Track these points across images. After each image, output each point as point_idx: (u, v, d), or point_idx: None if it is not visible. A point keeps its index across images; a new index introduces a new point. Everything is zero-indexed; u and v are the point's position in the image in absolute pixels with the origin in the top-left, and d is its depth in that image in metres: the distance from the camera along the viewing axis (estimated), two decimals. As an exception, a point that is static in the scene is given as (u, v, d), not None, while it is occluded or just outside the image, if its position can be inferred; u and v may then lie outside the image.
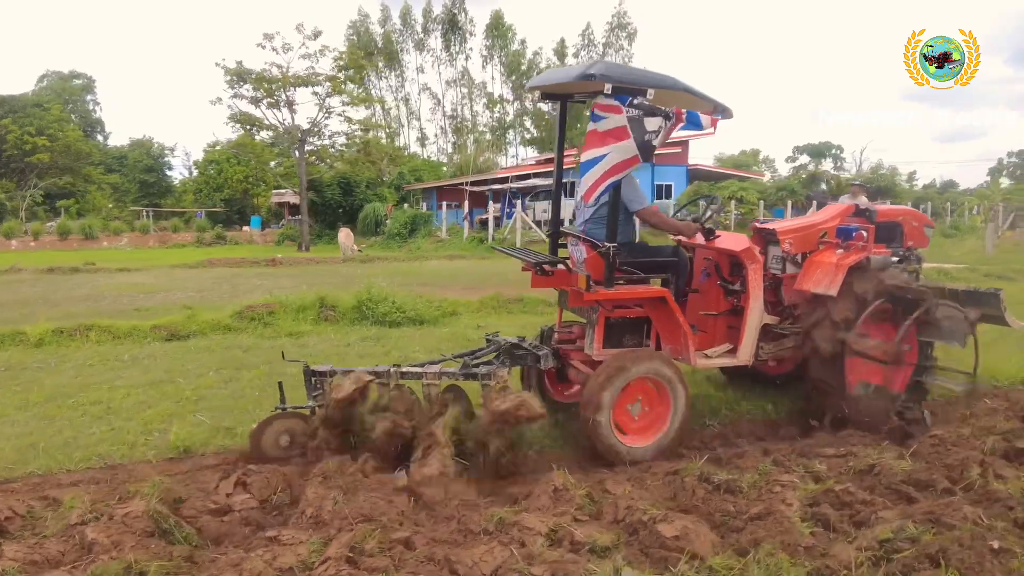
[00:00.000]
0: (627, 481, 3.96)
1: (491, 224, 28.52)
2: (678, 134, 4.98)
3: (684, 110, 4.63)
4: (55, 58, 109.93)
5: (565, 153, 5.54)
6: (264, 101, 34.08)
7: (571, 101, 5.25)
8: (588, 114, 4.60)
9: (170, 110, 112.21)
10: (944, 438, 4.44)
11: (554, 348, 5.08)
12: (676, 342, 4.87)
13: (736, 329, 5.11)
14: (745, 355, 5.00)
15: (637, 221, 4.95)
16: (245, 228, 45.10)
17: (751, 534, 3.22)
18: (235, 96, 34.11)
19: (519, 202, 29.16)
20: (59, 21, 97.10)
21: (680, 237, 5.29)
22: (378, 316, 9.21)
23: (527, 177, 34.12)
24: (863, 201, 13.54)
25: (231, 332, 8.66)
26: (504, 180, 35.53)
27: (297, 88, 34.06)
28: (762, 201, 30.43)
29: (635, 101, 4.42)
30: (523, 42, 56.56)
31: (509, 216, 28.88)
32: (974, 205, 39.39)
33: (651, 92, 4.40)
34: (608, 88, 4.32)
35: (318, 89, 34.49)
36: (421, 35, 56.44)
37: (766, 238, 5.30)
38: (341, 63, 35.41)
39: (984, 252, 21.58)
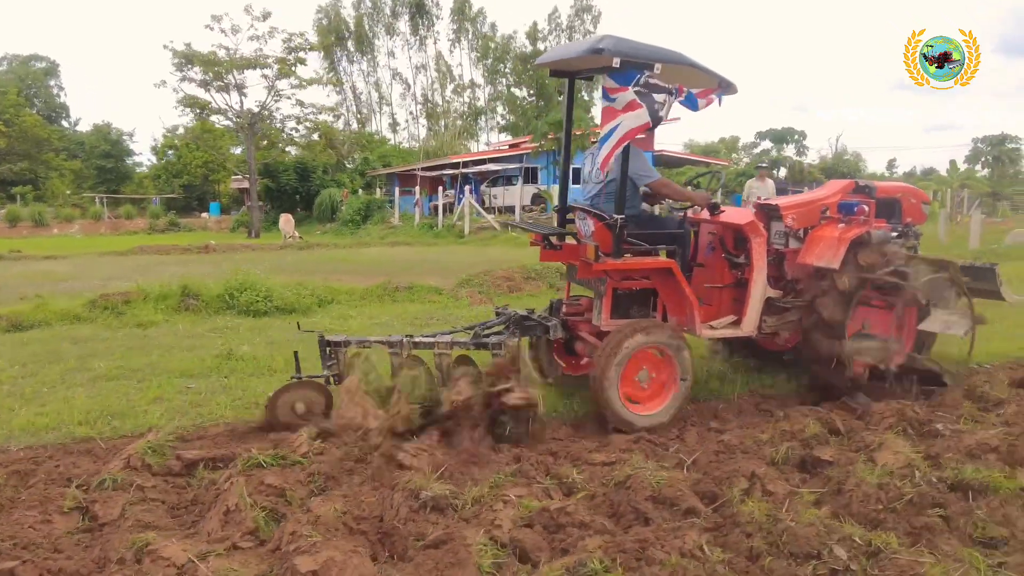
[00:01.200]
0: (342, 497, 3.25)
1: (440, 210, 27.98)
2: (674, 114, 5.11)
3: (684, 87, 4.77)
4: (16, 42, 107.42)
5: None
6: (214, 84, 33.38)
7: (579, 77, 5.34)
8: (601, 95, 4.70)
9: (136, 95, 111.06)
10: (733, 444, 4.13)
11: (562, 319, 5.19)
12: (682, 313, 4.98)
13: (740, 301, 5.23)
14: (749, 326, 5.12)
15: (642, 195, 5.07)
16: (204, 215, 44.28)
17: (416, 568, 2.73)
18: (183, 79, 33.50)
19: (468, 187, 28.75)
20: (21, 4, 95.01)
21: (687, 211, 5.41)
22: (243, 305, 8.84)
23: (483, 162, 33.67)
24: (768, 184, 13.31)
25: (80, 322, 8.18)
26: (459, 165, 34.70)
27: (245, 71, 33.51)
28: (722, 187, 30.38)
29: (642, 79, 4.51)
30: (493, 26, 55.69)
31: (460, 202, 28.68)
32: (934, 191, 39.49)
33: (658, 66, 4.49)
34: (617, 62, 4.39)
35: (267, 72, 33.97)
36: (390, 18, 55.37)
37: (769, 214, 5.41)
38: (291, 45, 34.66)
39: (938, 239, 21.78)
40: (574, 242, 5.19)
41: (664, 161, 35.93)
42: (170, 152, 48.90)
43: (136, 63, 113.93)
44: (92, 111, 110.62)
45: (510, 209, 28.07)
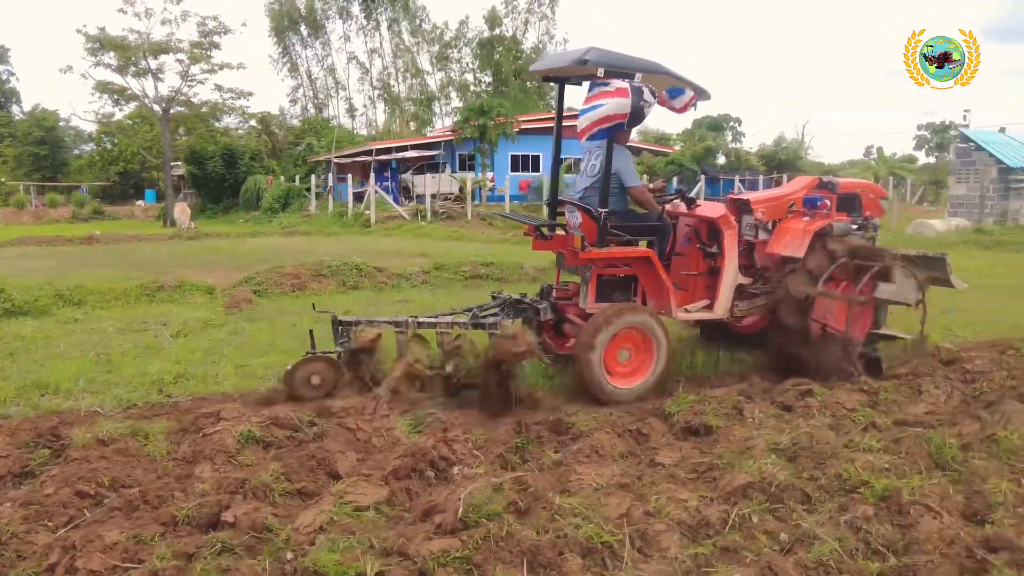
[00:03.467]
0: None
1: (350, 198, 27.45)
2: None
3: (665, 92, 5.33)
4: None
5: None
6: (130, 70, 32.43)
7: (568, 83, 5.88)
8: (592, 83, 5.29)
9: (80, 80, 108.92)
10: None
11: (552, 302, 5.73)
12: (660, 298, 5.52)
13: (713, 288, 5.76)
14: (720, 310, 5.66)
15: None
16: (139, 202, 42.95)
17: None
18: (97, 64, 32.43)
19: (373, 176, 27.39)
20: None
21: (666, 205, 5.95)
22: None
23: (404, 149, 32.38)
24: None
25: None
26: (386, 151, 32.96)
27: (160, 56, 32.53)
28: (650, 174, 30.19)
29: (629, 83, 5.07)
30: (423, 8, 54.16)
31: (386, 190, 28.25)
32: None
33: (638, 76, 5.05)
34: (601, 72, 4.97)
35: (182, 56, 32.95)
36: (344, 1, 53.75)
37: (740, 207, 5.95)
38: (205, 29, 33.45)
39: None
40: (563, 233, 5.72)
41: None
42: (107, 139, 47.28)
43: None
44: (47, 97, 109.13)
45: (441, 197, 27.86)
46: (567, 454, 4.02)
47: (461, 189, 28.19)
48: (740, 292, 5.76)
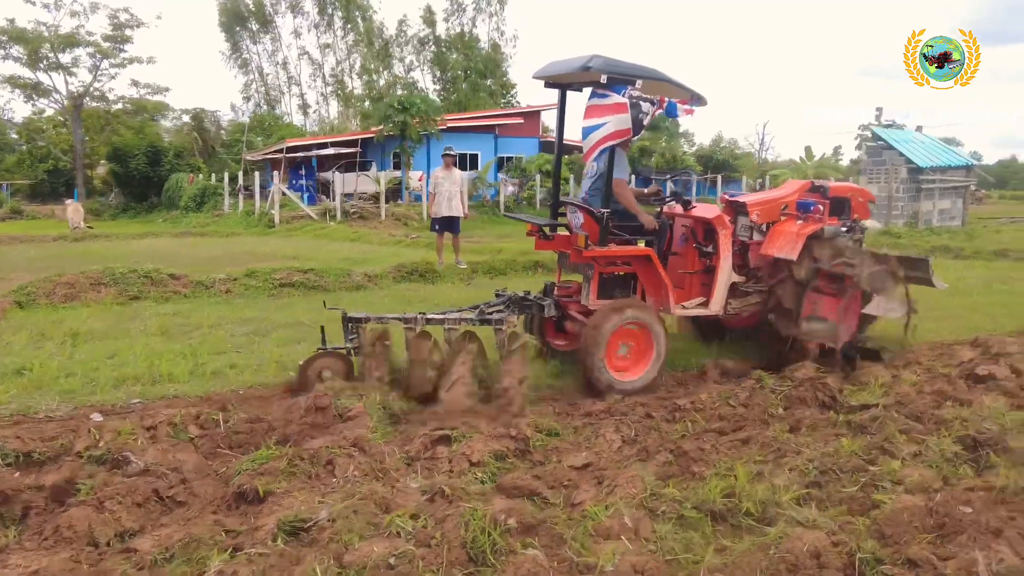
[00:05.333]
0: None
1: (257, 197, 25.64)
2: None
3: (666, 98, 5.56)
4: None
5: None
6: (42, 63, 31.97)
7: (571, 89, 6.10)
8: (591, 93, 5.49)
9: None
10: None
11: (555, 300, 5.94)
12: (658, 295, 5.75)
13: (709, 286, 5.99)
14: (716, 307, 5.90)
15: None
16: (68, 201, 40.98)
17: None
18: (6, 58, 32.11)
19: (277, 175, 26.17)
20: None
21: (664, 206, 6.19)
22: None
23: (324, 147, 31.09)
24: (455, 174, 11.78)
25: None
26: (306, 148, 31.66)
27: (73, 50, 32.03)
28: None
29: (626, 91, 5.30)
30: (368, 2, 52.86)
31: (297, 188, 27.04)
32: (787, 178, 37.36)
33: (639, 82, 5.28)
34: (604, 78, 5.19)
35: (90, 50, 32.64)
36: None
37: (736, 209, 6.19)
38: (117, 21, 33.24)
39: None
40: (566, 233, 5.93)
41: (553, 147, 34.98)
42: (37, 137, 45.18)
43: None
44: None
45: (367, 197, 26.27)
46: None
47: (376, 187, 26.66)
48: (734, 290, 6.00)
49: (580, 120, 5.57)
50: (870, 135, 22.32)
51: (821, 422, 4.48)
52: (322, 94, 56.66)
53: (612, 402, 5.04)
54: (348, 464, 3.65)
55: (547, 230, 5.91)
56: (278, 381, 5.60)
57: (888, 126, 22.09)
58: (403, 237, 18.59)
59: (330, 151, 30.43)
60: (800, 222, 5.97)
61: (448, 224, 12.01)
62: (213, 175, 31.21)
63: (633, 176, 27.23)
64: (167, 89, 36.82)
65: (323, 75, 55.40)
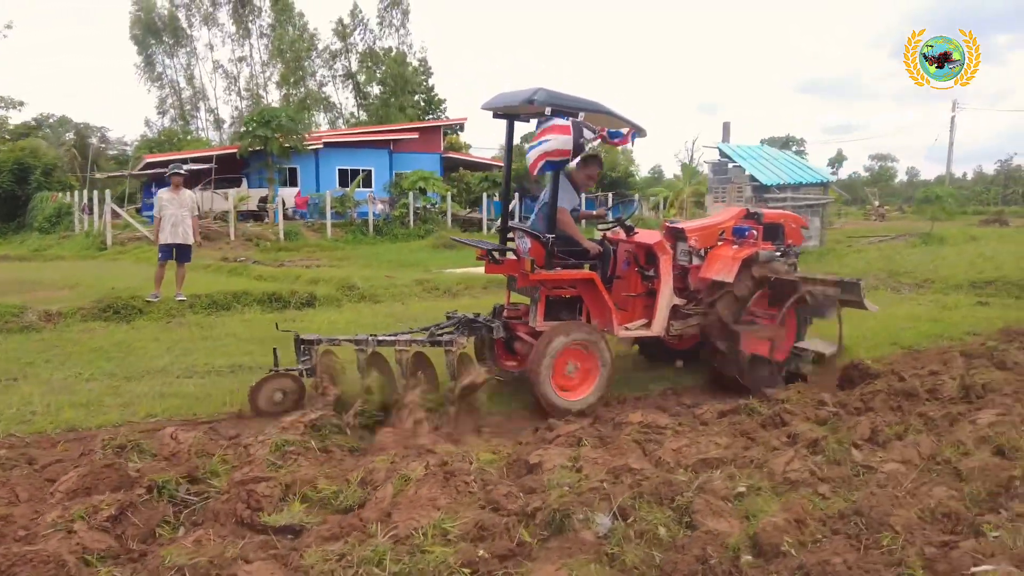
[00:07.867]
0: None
1: (96, 217, 24.08)
2: None
3: (606, 129, 5.86)
4: None
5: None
6: None
7: (517, 120, 6.36)
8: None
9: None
10: None
11: (504, 321, 6.13)
12: (603, 317, 5.98)
13: (651, 308, 6.26)
14: (657, 328, 6.16)
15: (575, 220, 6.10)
16: None
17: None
18: None
19: (108, 194, 23.75)
20: None
21: (608, 232, 6.47)
22: None
23: (185, 162, 28.79)
24: (184, 195, 10.39)
25: None
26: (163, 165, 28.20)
27: None
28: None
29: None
30: (300, 15, 52.70)
31: (148, 207, 24.80)
32: (665, 196, 36.23)
33: (582, 114, 5.56)
34: (548, 111, 5.46)
35: None
36: (210, 8, 52.18)
37: (676, 235, 6.50)
38: None
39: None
40: (514, 257, 6.14)
41: (457, 163, 35.99)
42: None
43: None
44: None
45: (217, 215, 24.85)
46: None
47: (262, 203, 26.38)
48: (675, 312, 6.27)
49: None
50: (717, 152, 21.40)
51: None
52: (236, 108, 55.03)
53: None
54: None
55: (496, 255, 6.12)
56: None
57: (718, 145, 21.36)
58: (234, 261, 17.54)
59: (190, 167, 28.66)
60: (736, 247, 6.31)
61: (176, 252, 10.44)
62: (84, 193, 28.79)
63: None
64: (21, 103, 34.56)
65: (238, 89, 54.53)
